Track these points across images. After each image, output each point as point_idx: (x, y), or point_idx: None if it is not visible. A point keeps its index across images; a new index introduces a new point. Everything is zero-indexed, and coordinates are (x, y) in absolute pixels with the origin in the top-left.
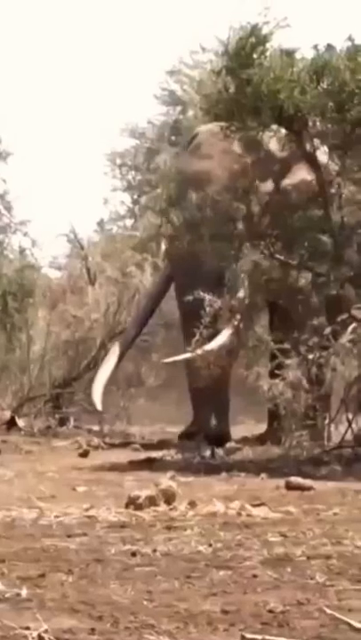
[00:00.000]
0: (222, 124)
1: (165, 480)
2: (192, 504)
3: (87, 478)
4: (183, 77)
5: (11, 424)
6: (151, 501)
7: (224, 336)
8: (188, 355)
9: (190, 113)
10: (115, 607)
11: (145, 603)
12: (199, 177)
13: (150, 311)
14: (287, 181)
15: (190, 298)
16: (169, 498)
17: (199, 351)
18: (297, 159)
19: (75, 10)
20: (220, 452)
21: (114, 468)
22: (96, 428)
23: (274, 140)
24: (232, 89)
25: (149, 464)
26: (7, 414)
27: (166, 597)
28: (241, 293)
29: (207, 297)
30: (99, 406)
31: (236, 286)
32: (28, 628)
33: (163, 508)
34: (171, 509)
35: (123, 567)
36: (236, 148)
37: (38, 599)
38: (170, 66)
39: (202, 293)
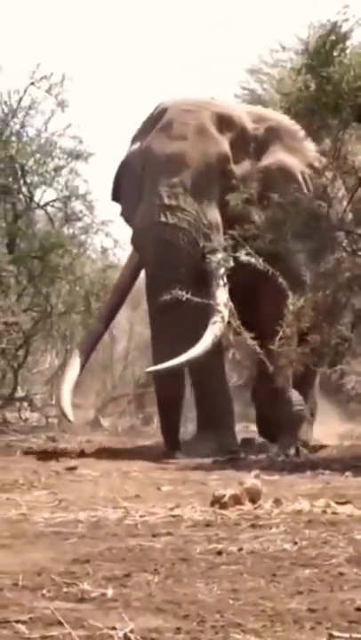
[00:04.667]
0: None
1: (250, 479)
2: (277, 502)
3: (171, 478)
4: (263, 76)
5: (94, 424)
6: (236, 500)
7: (208, 339)
8: (175, 362)
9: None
10: (200, 606)
11: (231, 601)
12: (173, 160)
13: (117, 306)
14: None
15: (168, 295)
16: (254, 496)
17: (185, 358)
18: None
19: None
20: (304, 450)
21: (198, 467)
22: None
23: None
24: (312, 87)
25: (234, 463)
26: (91, 414)
27: (252, 596)
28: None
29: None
30: (70, 417)
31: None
32: (114, 628)
33: (248, 506)
34: (256, 508)
35: (208, 566)
36: (212, 128)
37: (124, 599)
38: (250, 65)
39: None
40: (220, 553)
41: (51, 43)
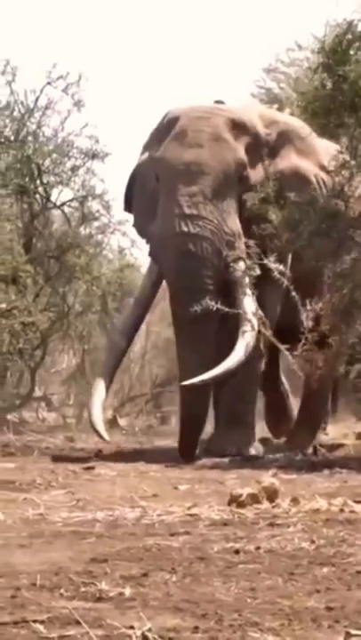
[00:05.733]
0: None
1: (268, 477)
2: (295, 501)
3: (189, 477)
4: (280, 75)
5: (112, 424)
6: (254, 499)
7: (241, 350)
8: (211, 374)
9: (287, 110)
10: (218, 605)
11: (248, 600)
12: (190, 168)
13: (139, 321)
14: None
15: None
16: (271, 495)
17: (219, 370)
18: None
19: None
20: (322, 449)
21: (215, 466)
22: None
23: None
24: (329, 86)
25: (251, 462)
26: (109, 414)
27: (270, 594)
28: (249, 302)
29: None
30: (105, 436)
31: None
32: (132, 627)
33: (265, 505)
34: (273, 507)
35: (226, 565)
36: (227, 134)
37: (142, 598)
38: (266, 64)
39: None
40: (237, 552)
41: (67, 43)
